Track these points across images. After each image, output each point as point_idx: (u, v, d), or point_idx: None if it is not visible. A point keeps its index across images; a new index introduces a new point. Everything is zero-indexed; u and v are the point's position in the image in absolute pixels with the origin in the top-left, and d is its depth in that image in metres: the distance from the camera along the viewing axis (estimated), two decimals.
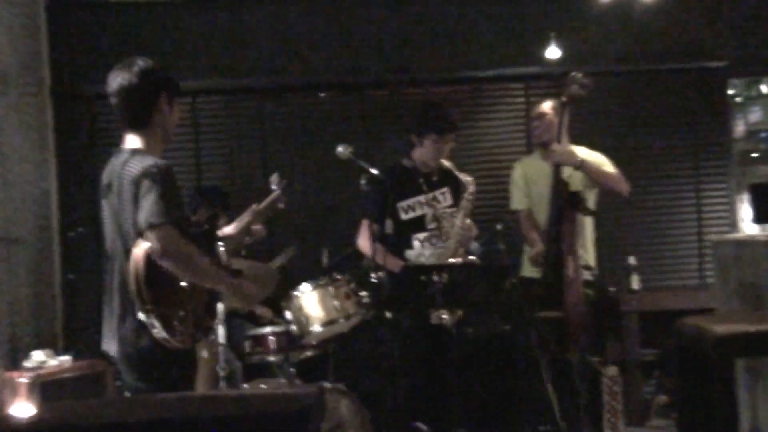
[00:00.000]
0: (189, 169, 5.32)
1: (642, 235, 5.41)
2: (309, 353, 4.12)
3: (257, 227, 3.47)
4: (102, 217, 2.93)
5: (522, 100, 5.45)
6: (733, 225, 5.39)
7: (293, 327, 3.89)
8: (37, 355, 4.16)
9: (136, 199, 2.73)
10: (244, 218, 3.39)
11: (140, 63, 2.89)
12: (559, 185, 4.03)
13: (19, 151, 4.76)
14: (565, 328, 3.88)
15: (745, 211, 5.34)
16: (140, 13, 5.30)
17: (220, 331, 3.72)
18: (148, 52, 3.03)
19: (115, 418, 2.09)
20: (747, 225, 5.28)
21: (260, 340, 4.10)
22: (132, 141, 2.91)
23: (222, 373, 3.69)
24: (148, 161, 2.78)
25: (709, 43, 5.38)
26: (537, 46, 5.25)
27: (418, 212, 4.19)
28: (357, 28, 5.38)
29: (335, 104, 5.42)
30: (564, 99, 4.08)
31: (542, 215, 4.19)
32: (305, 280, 3.94)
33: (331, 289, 3.89)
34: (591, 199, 4.24)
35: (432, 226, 4.16)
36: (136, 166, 2.77)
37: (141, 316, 2.68)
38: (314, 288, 3.90)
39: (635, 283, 5.11)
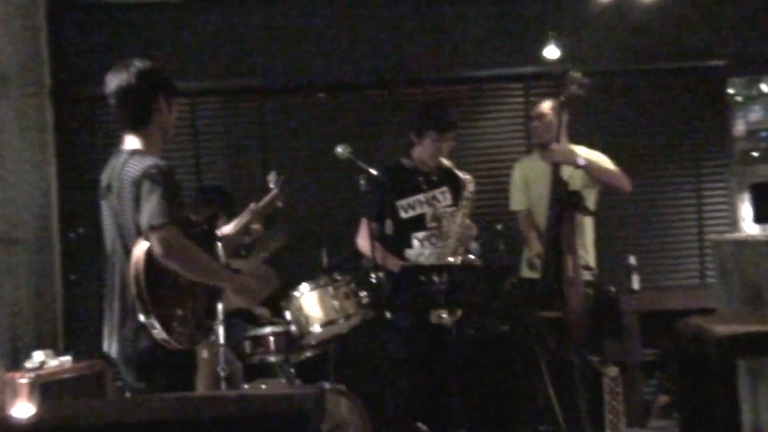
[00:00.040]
0: (189, 169, 5.32)
1: (642, 234, 5.41)
2: (309, 354, 4.12)
3: (256, 226, 3.47)
4: (102, 219, 2.93)
5: (521, 99, 5.45)
6: (734, 225, 5.38)
7: (293, 327, 3.89)
8: (38, 356, 4.15)
9: (136, 200, 2.73)
10: (243, 218, 3.40)
11: (138, 64, 2.90)
12: (558, 185, 4.02)
13: (19, 152, 4.76)
14: (565, 328, 3.88)
15: (745, 210, 5.33)
16: (140, 14, 5.30)
17: (220, 332, 3.72)
18: (149, 53, 3.04)
19: (115, 418, 2.09)
20: (747, 224, 5.28)
21: (260, 340, 4.10)
22: (131, 142, 2.91)
23: (222, 374, 3.70)
24: (148, 162, 2.78)
25: (709, 43, 5.37)
26: (536, 45, 5.24)
27: (418, 211, 4.19)
28: (357, 28, 5.38)
29: (335, 104, 5.42)
30: (563, 99, 4.08)
31: (542, 216, 4.19)
32: (305, 280, 3.94)
33: (330, 289, 3.89)
34: (591, 199, 4.23)
35: (432, 225, 4.16)
36: (136, 167, 2.77)
37: (141, 317, 2.68)
38: (314, 288, 3.89)
39: (635, 283, 5.10)
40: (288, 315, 3.91)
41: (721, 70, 5.39)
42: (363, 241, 4.14)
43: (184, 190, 2.98)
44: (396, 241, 4.06)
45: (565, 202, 3.95)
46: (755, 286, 3.67)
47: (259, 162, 5.33)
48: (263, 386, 4.02)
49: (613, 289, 5.00)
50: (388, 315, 3.89)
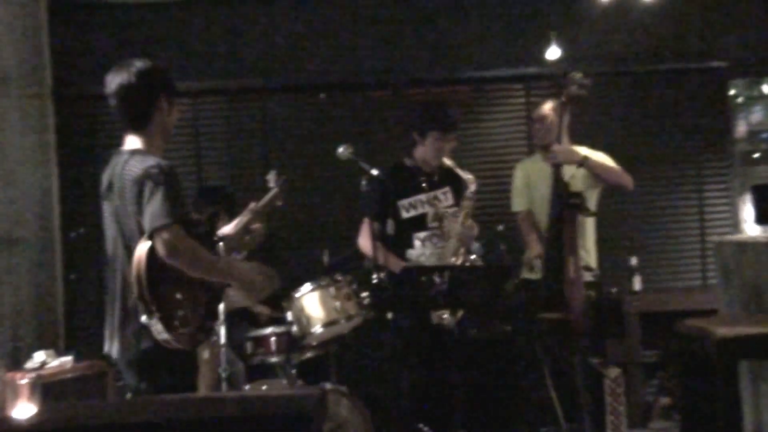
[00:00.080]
0: (190, 169, 5.32)
1: (644, 236, 5.40)
2: (310, 354, 4.12)
3: (256, 226, 3.46)
4: (103, 219, 2.93)
5: (522, 100, 5.45)
6: (736, 226, 5.38)
7: (294, 328, 3.89)
8: (39, 356, 4.16)
9: (138, 200, 2.73)
10: (243, 217, 3.39)
11: (138, 64, 2.89)
12: (559, 186, 4.02)
13: (20, 152, 4.76)
14: (566, 329, 3.88)
15: (747, 212, 5.33)
16: (142, 14, 5.30)
17: (222, 333, 3.72)
18: (150, 53, 3.04)
19: (116, 419, 2.09)
20: (749, 226, 5.27)
21: (261, 341, 4.10)
22: (132, 142, 2.91)
23: (224, 375, 3.69)
24: (149, 161, 2.78)
25: (710, 44, 5.37)
26: (538, 46, 5.24)
27: (420, 211, 4.19)
28: (357, 28, 5.38)
29: (335, 104, 5.42)
30: (563, 99, 4.07)
31: (543, 217, 4.18)
32: (306, 280, 3.93)
33: (332, 289, 3.89)
34: (592, 200, 4.23)
35: (433, 225, 4.15)
36: (137, 167, 2.77)
37: (143, 317, 2.67)
38: (315, 289, 3.89)
39: (637, 284, 5.11)
40: (289, 315, 3.91)
41: (723, 71, 5.39)
42: (364, 242, 4.14)
43: (185, 189, 2.97)
44: (397, 241, 4.06)
45: (566, 203, 3.95)
46: (757, 287, 3.66)
47: (260, 162, 5.32)
48: (264, 387, 4.01)
49: (614, 290, 5.00)
50: (389, 315, 3.88)
